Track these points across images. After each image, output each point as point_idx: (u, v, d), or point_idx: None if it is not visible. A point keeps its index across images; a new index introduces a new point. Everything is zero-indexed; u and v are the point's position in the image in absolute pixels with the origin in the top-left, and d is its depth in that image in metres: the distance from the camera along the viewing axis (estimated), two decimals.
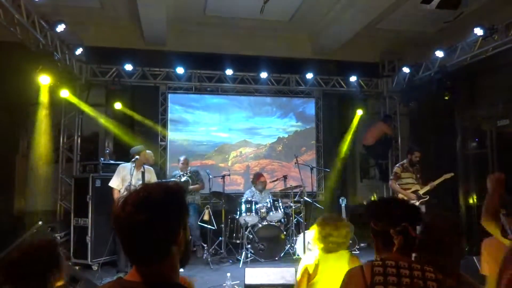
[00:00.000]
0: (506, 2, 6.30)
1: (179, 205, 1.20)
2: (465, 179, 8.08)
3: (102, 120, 7.74)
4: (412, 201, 6.48)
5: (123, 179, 5.61)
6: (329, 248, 2.78)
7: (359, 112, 8.65)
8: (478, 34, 6.04)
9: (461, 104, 7.58)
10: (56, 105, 7.85)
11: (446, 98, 7.10)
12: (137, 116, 8.08)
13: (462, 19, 6.83)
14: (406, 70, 7.98)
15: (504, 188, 2.56)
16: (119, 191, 5.59)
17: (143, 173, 5.66)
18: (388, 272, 1.62)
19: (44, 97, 7.89)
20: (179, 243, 1.17)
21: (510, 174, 6.67)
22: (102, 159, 6.71)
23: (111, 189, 5.64)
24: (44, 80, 5.96)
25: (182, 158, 7.10)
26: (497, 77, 7.36)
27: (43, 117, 8.14)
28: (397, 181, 6.71)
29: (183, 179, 6.38)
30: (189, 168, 7.01)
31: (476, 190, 7.98)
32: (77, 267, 5.78)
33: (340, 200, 7.22)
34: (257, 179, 7.38)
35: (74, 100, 7.30)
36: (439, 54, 7.01)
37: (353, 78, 8.48)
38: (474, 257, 4.90)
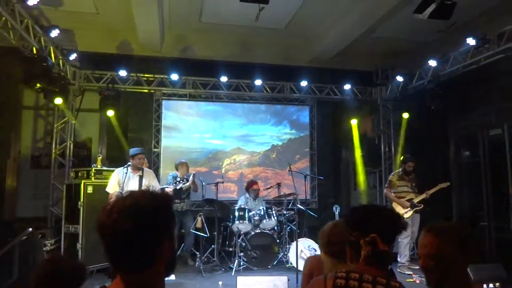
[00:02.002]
0: (499, 13, 6.38)
1: (165, 214, 1.18)
2: (459, 188, 8.12)
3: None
4: (406, 210, 6.51)
5: (120, 184, 5.59)
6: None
7: (354, 122, 8.69)
8: (471, 44, 6.09)
9: (454, 113, 7.64)
10: (49, 110, 7.83)
11: (432, 108, 7.16)
12: (131, 122, 8.06)
13: (456, 29, 6.90)
14: (399, 79, 8.02)
15: None
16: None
17: (140, 177, 5.64)
18: (349, 285, 1.57)
19: (37, 102, 7.89)
20: (164, 252, 1.15)
21: (502, 182, 6.73)
22: (94, 165, 6.66)
23: (106, 195, 5.61)
24: (37, 85, 5.92)
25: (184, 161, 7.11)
26: (490, 87, 7.43)
27: (35, 122, 8.13)
28: (392, 190, 6.77)
29: (178, 186, 6.32)
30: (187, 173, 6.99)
31: (469, 199, 8.02)
32: None
33: (334, 207, 7.19)
34: (250, 186, 7.37)
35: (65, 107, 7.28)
36: (432, 63, 7.06)
37: (347, 86, 8.52)
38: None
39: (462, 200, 8.15)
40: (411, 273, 6.25)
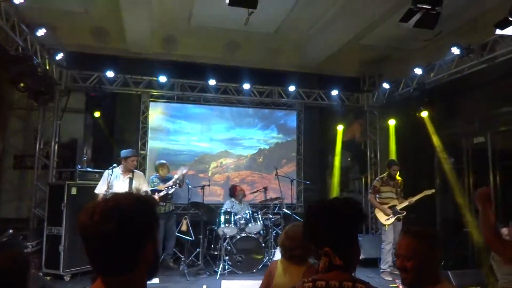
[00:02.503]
0: (483, 23, 6.52)
1: (148, 217, 1.18)
2: (442, 194, 8.24)
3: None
4: (388, 217, 6.57)
5: (109, 186, 5.52)
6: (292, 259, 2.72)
7: (340, 128, 8.71)
8: (455, 53, 6.21)
9: (439, 120, 7.75)
10: (34, 109, 7.70)
11: (422, 115, 7.26)
12: (117, 124, 8.00)
13: (441, 38, 7.04)
14: (386, 85, 8.12)
15: (494, 202, 2.54)
16: None
17: (130, 179, 5.58)
18: None
19: (21, 102, 7.75)
20: (147, 255, 1.14)
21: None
22: (79, 166, 6.58)
23: (91, 196, 5.51)
24: (22, 84, 5.83)
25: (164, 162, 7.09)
26: (473, 96, 7.57)
27: (20, 122, 8.00)
28: (376, 195, 6.80)
29: (170, 191, 6.27)
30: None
31: (453, 205, 8.15)
32: (48, 278, 5.61)
33: None
34: (234, 191, 7.39)
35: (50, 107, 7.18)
36: (418, 71, 7.17)
37: (334, 92, 8.59)
38: (449, 272, 4.98)
39: (446, 207, 8.26)
40: (391, 278, 6.31)
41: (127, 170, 5.75)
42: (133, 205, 1.15)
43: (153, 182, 6.80)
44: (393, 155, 8.25)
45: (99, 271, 1.14)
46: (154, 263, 1.20)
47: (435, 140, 7.63)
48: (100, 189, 5.62)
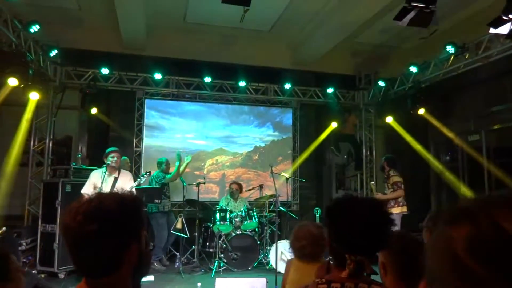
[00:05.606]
0: (478, 22, 6.52)
1: (133, 217, 1.16)
2: (438, 191, 8.28)
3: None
4: None
5: (95, 186, 5.41)
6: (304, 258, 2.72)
7: (334, 125, 8.67)
8: (450, 51, 6.22)
9: (435, 118, 7.78)
10: (28, 106, 7.65)
11: (418, 112, 7.25)
12: (112, 121, 7.97)
13: (436, 36, 7.04)
14: (381, 84, 8.12)
15: None
16: None
17: (115, 179, 5.50)
18: None
19: (15, 98, 7.70)
20: (131, 256, 1.13)
21: (479, 186, 6.88)
22: (73, 163, 6.56)
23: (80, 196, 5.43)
24: (14, 81, 5.79)
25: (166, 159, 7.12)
26: (468, 94, 7.60)
27: (13, 118, 7.94)
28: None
29: (142, 181, 5.98)
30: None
31: (448, 202, 8.18)
32: (42, 275, 5.60)
33: (315, 210, 7.25)
34: (231, 184, 7.40)
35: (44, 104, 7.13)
36: (413, 69, 7.17)
37: (330, 90, 8.58)
38: None
39: (441, 204, 8.30)
40: None
41: (113, 169, 5.52)
42: (117, 205, 1.13)
43: (159, 177, 6.78)
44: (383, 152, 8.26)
45: (82, 272, 1.13)
46: (141, 264, 1.19)
47: (447, 133, 7.56)
48: (86, 190, 5.41)
